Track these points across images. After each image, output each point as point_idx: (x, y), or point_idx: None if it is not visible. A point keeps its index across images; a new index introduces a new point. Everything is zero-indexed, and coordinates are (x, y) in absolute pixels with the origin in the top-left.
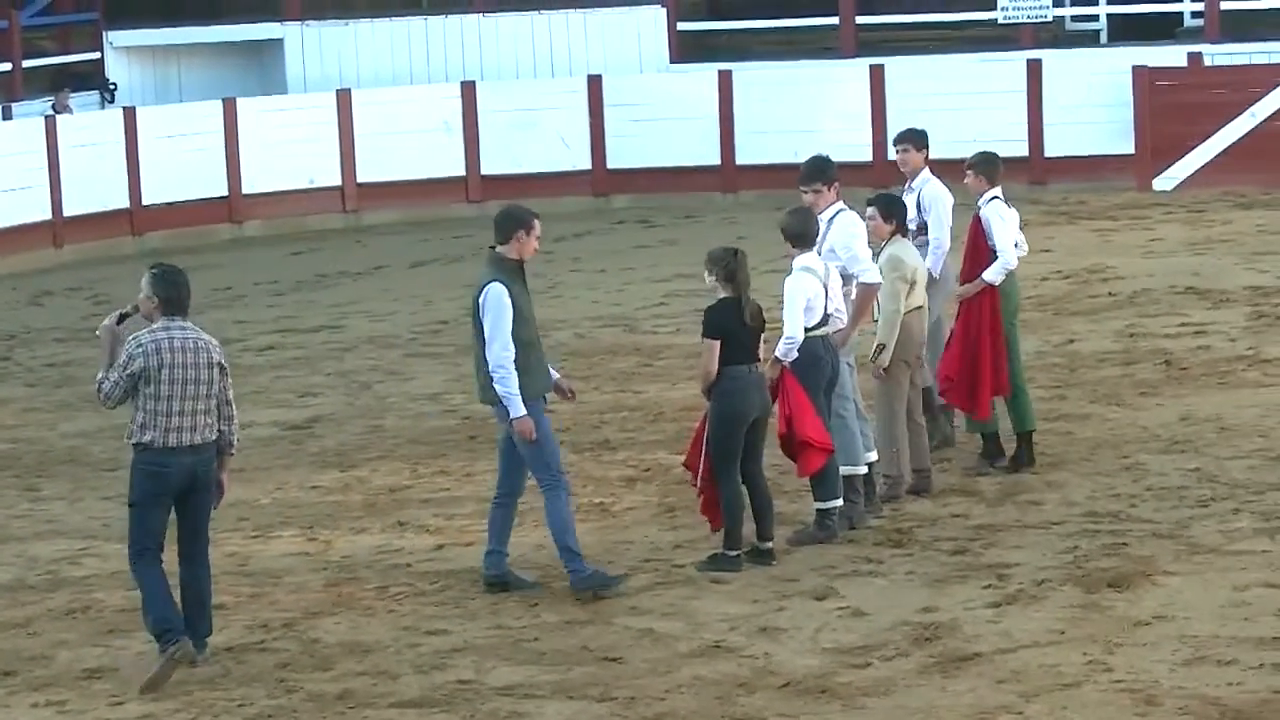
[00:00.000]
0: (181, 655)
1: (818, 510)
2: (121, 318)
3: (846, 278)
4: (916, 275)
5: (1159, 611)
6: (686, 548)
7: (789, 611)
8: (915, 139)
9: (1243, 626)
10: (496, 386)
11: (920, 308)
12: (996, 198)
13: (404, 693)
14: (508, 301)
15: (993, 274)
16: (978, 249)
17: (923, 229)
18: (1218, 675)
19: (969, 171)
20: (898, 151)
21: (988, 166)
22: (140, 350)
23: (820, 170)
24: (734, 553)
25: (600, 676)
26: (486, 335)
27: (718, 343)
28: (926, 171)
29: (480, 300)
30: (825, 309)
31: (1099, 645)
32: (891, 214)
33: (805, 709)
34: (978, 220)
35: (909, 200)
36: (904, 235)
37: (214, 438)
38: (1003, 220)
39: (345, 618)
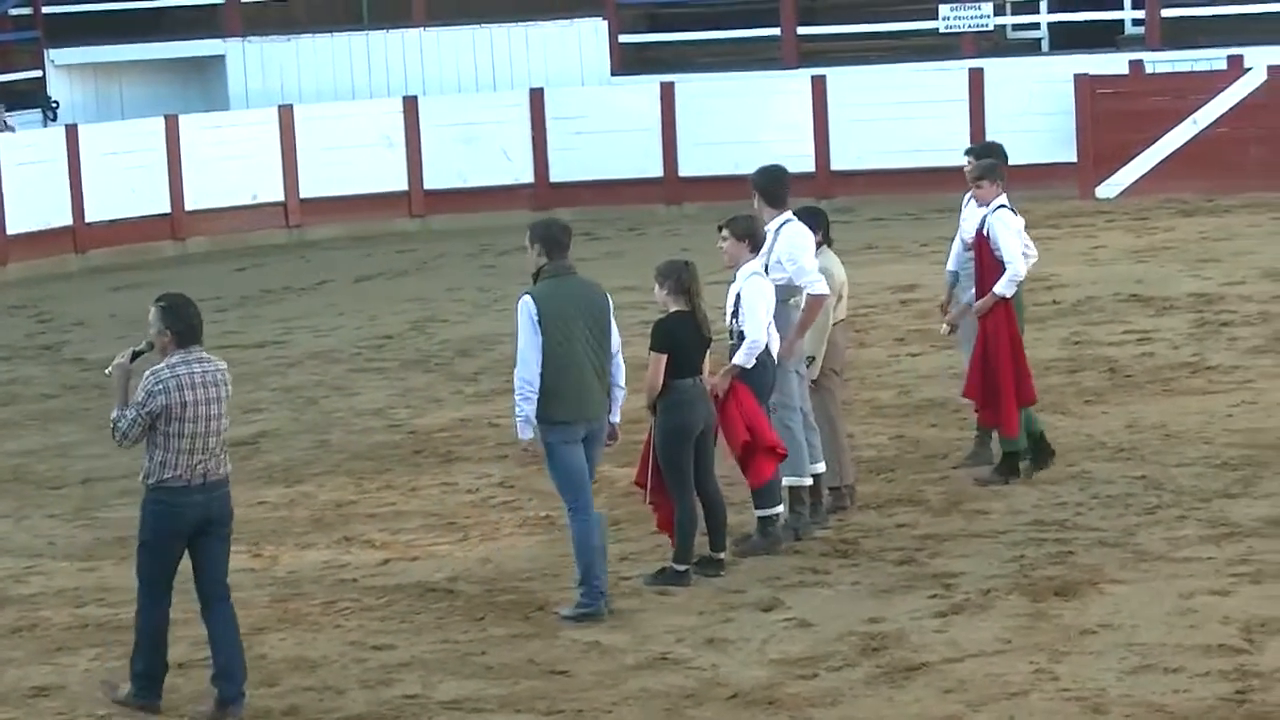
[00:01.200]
0: (131, 705)
1: (760, 518)
2: (135, 355)
3: (791, 289)
4: (844, 289)
5: (1105, 620)
6: (632, 560)
7: (736, 623)
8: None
9: (1189, 634)
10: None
11: (843, 320)
12: (1004, 206)
13: (350, 708)
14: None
15: (1003, 287)
16: (985, 263)
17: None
18: (1165, 683)
19: (980, 180)
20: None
21: (993, 173)
22: (161, 388)
23: (767, 179)
24: (683, 568)
25: (547, 690)
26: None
27: (665, 356)
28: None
29: None
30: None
31: (1046, 654)
32: (815, 227)
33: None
34: (981, 233)
35: (975, 213)
36: (829, 246)
37: (228, 471)
38: (1009, 229)
39: (291, 633)
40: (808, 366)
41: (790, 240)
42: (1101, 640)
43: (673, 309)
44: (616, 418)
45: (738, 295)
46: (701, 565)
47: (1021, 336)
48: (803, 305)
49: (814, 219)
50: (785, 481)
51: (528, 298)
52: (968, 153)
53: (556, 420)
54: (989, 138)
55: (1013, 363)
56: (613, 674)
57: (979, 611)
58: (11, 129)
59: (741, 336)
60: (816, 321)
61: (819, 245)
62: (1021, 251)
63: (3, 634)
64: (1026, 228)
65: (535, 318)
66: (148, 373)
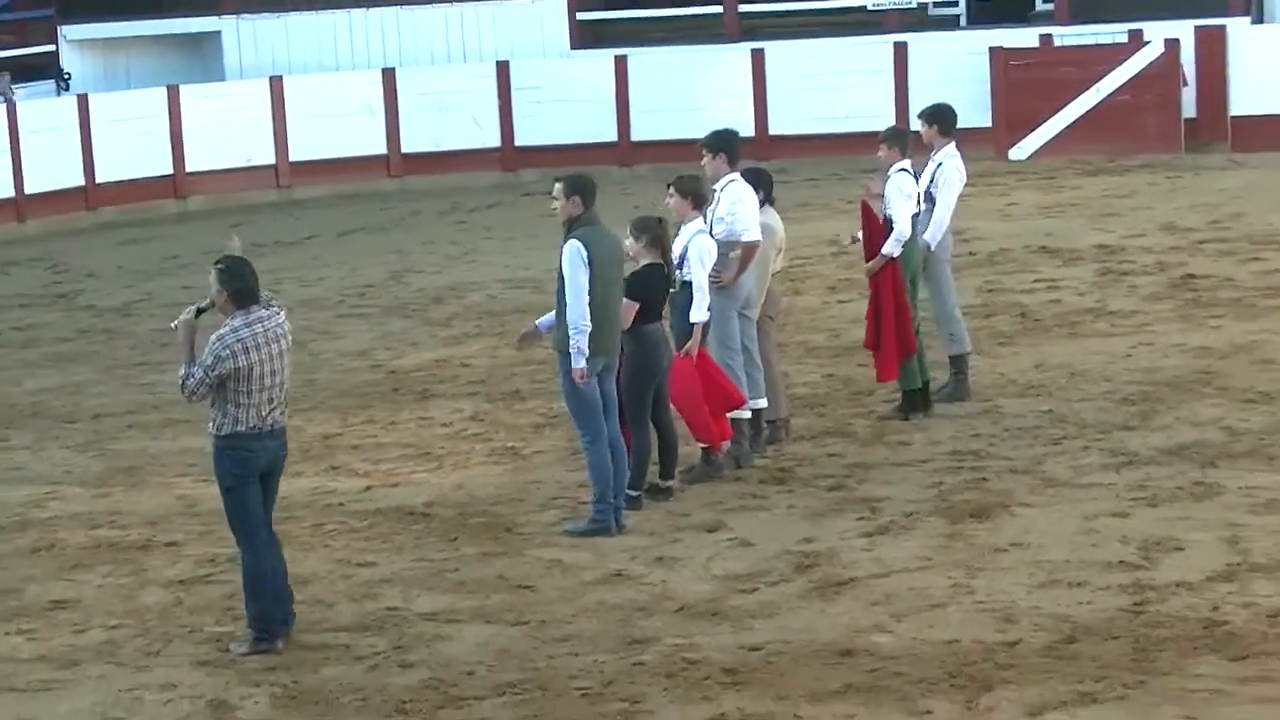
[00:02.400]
0: (255, 652)
1: (703, 449)
2: (199, 311)
3: (731, 243)
4: (782, 243)
5: (1016, 539)
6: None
7: (683, 543)
8: (935, 117)
9: (1091, 552)
10: None
11: (779, 271)
12: (904, 170)
13: (338, 619)
14: None
15: (890, 246)
16: (872, 226)
17: (929, 199)
18: (1069, 596)
19: (882, 145)
20: (922, 125)
21: (900, 139)
22: (227, 353)
23: (718, 140)
24: (635, 492)
25: (514, 603)
26: None
27: (639, 305)
28: (951, 147)
29: None
30: None
31: (962, 570)
32: (758, 186)
33: (698, 630)
34: (866, 204)
35: (927, 171)
36: (772, 205)
37: (285, 423)
38: (902, 192)
39: (284, 552)
40: (753, 310)
41: (732, 196)
42: (1012, 558)
43: (645, 261)
44: None
45: (684, 249)
46: (652, 492)
47: (908, 291)
48: (738, 251)
49: (757, 178)
50: (728, 415)
51: (577, 242)
52: (919, 115)
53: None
54: (911, 107)
55: (895, 319)
56: (573, 589)
57: (902, 532)
58: (11, 99)
59: (685, 285)
60: (758, 271)
61: (762, 203)
62: (911, 213)
63: (23, 554)
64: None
65: (586, 259)
66: (213, 337)
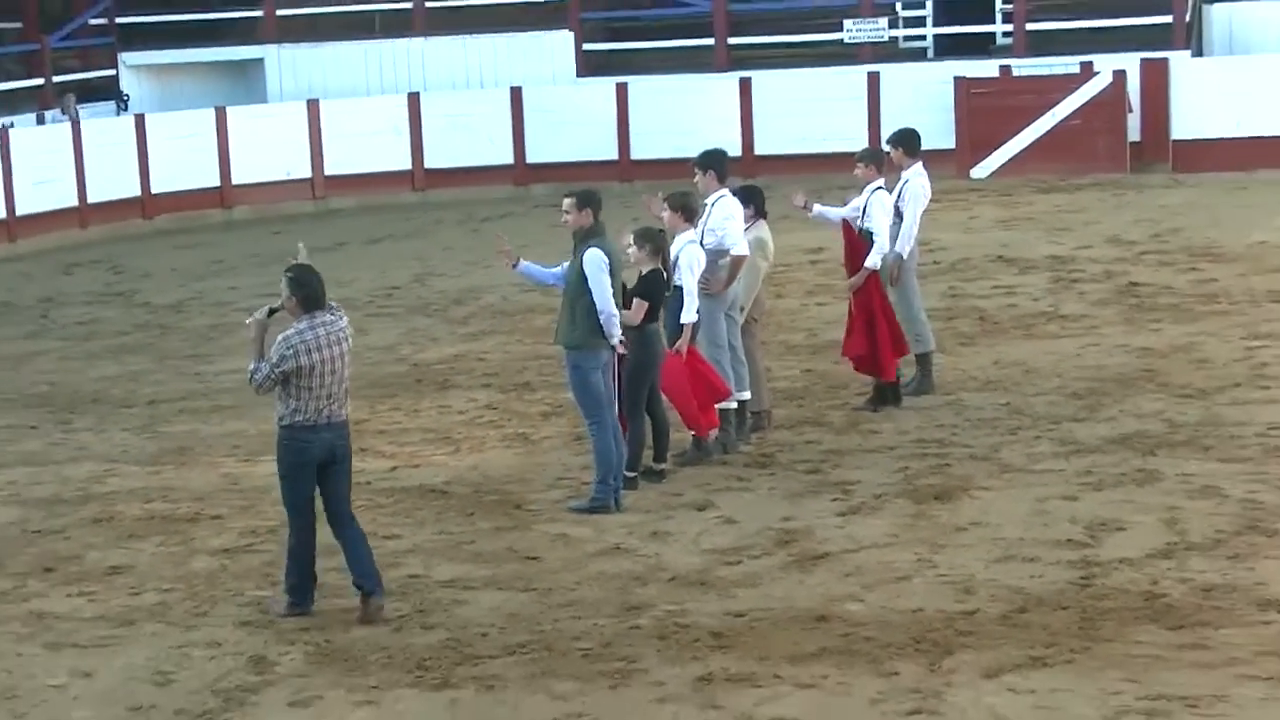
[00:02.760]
0: (290, 614)
1: (693, 436)
2: (270, 312)
3: (720, 252)
4: (772, 254)
5: (975, 519)
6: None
7: (675, 519)
8: (900, 141)
9: (1042, 531)
10: None
11: (766, 279)
12: (880, 188)
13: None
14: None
15: (872, 260)
16: (854, 243)
17: (898, 213)
18: (1022, 570)
19: (859, 164)
20: (890, 148)
21: (876, 159)
22: (291, 352)
23: (708, 159)
24: (632, 474)
25: (524, 572)
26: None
27: (647, 304)
28: (918, 167)
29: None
30: None
31: (926, 546)
32: (748, 202)
33: (688, 598)
34: (847, 223)
35: (895, 189)
36: (764, 219)
37: (347, 415)
38: (883, 208)
39: (319, 527)
40: (740, 313)
41: (723, 211)
42: (971, 535)
43: (647, 267)
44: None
45: (676, 256)
46: (647, 474)
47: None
48: (727, 262)
49: (749, 195)
50: (716, 406)
51: (600, 250)
52: (887, 140)
53: (593, 349)
54: (883, 130)
55: (887, 325)
56: (576, 560)
57: (872, 512)
58: (78, 116)
59: (677, 289)
60: (747, 279)
61: (755, 218)
62: (889, 226)
63: (85, 524)
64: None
65: (607, 266)
66: (280, 337)
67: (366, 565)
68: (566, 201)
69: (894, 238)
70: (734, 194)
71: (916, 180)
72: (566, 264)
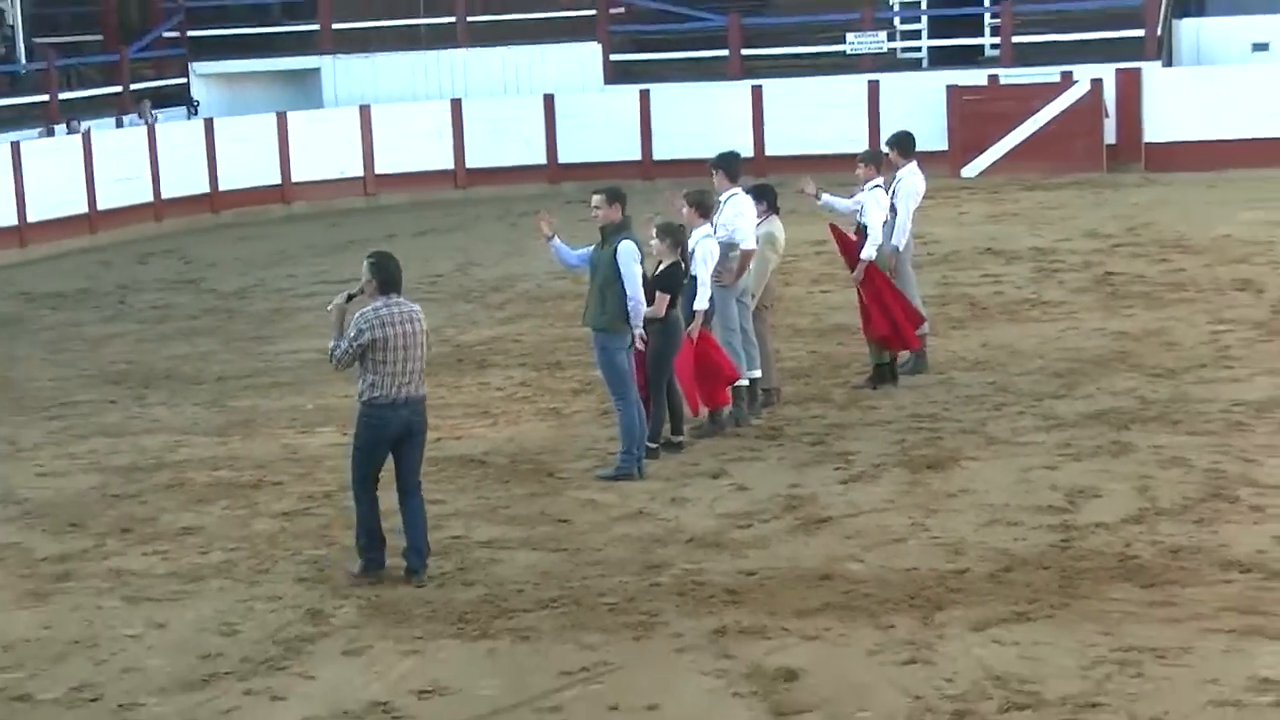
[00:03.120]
0: (367, 576)
1: (710, 412)
2: (350, 297)
3: (731, 245)
4: (783, 247)
5: (964, 486)
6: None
7: (692, 487)
8: (896, 143)
9: (1026, 497)
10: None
11: (776, 269)
12: (878, 186)
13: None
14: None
15: (867, 252)
16: (843, 241)
17: (893, 209)
18: (1007, 533)
19: (860, 164)
20: (887, 150)
21: (875, 160)
22: (367, 326)
23: (721, 160)
24: (653, 445)
25: (555, 534)
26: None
27: (669, 296)
28: (912, 166)
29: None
30: None
31: (920, 511)
32: (761, 198)
33: (704, 558)
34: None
35: (892, 186)
36: (777, 215)
37: (424, 393)
38: (878, 204)
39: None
40: (751, 299)
41: (734, 208)
42: (961, 502)
43: (669, 260)
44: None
45: (692, 249)
46: (667, 446)
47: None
48: (738, 255)
49: (761, 192)
50: (730, 384)
51: (632, 244)
52: (885, 143)
53: (619, 332)
54: (882, 133)
55: (897, 303)
56: (603, 523)
57: (871, 480)
58: (153, 120)
59: (692, 279)
60: (759, 269)
61: (767, 213)
62: (883, 221)
63: (159, 489)
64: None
65: (639, 257)
66: (358, 314)
67: (419, 538)
68: (596, 198)
69: (890, 231)
70: (748, 191)
71: (910, 178)
72: (589, 249)
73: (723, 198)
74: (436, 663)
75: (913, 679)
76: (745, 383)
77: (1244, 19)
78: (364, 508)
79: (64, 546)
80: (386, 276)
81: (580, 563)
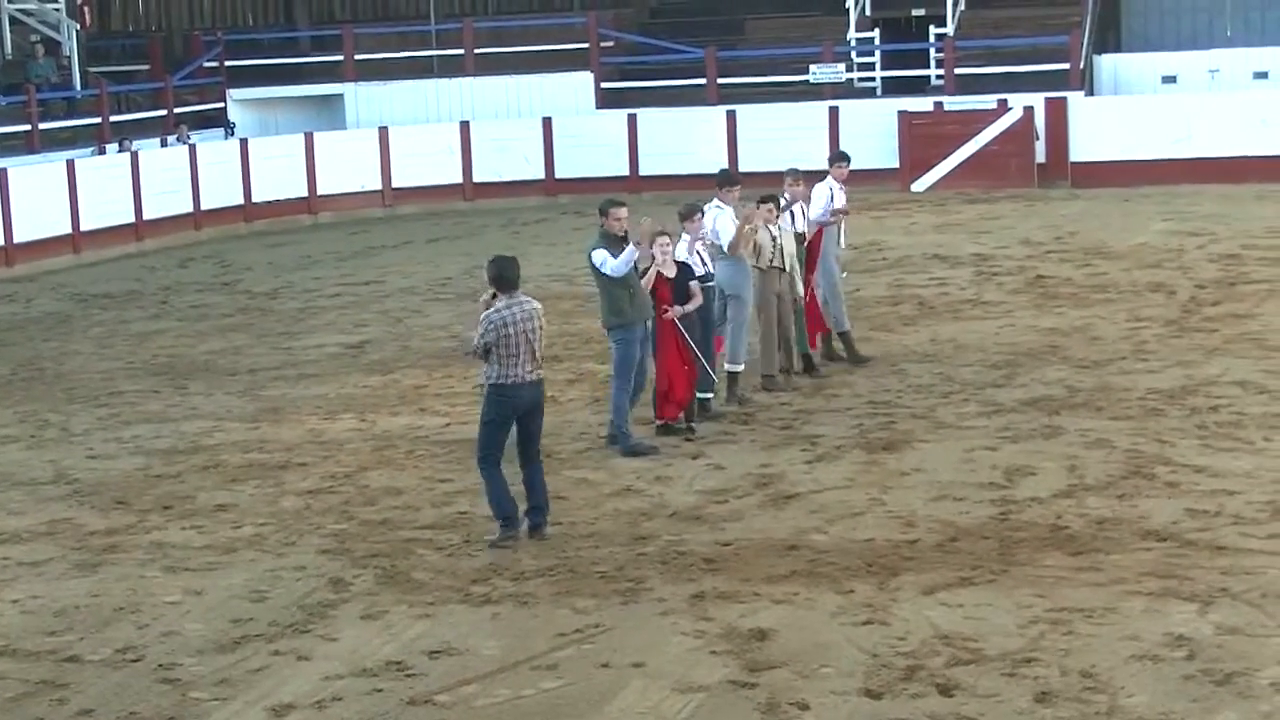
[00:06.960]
0: (510, 542)
1: (699, 399)
2: (493, 296)
3: (716, 248)
4: (768, 251)
5: (916, 466)
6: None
7: (675, 466)
8: (832, 160)
9: (970, 475)
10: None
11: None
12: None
13: (423, 519)
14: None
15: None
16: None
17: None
18: (954, 507)
19: (789, 180)
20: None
21: (803, 175)
22: (491, 326)
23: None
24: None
25: (552, 509)
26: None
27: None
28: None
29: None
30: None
31: (877, 488)
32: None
33: (685, 530)
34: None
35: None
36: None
37: (542, 376)
38: (815, 202)
39: (385, 471)
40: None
41: (711, 216)
42: (913, 480)
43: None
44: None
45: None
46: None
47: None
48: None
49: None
50: (726, 368)
51: (633, 247)
52: (837, 156)
53: (628, 323)
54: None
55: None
56: (594, 499)
57: (833, 460)
58: (188, 141)
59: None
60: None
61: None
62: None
63: (196, 470)
64: (860, 209)
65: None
66: (483, 316)
67: (540, 497)
68: (623, 210)
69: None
70: (758, 202)
71: (824, 183)
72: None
73: (709, 206)
74: (446, 625)
75: (870, 638)
76: (741, 368)
77: (1155, 55)
78: (493, 480)
79: (110, 522)
80: (503, 277)
81: (574, 535)
